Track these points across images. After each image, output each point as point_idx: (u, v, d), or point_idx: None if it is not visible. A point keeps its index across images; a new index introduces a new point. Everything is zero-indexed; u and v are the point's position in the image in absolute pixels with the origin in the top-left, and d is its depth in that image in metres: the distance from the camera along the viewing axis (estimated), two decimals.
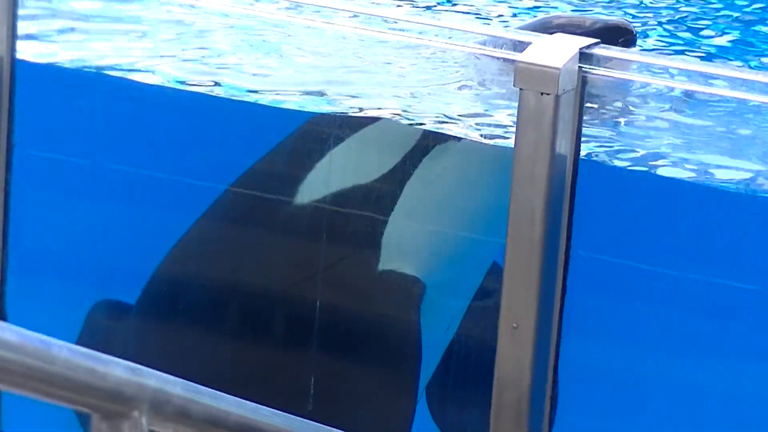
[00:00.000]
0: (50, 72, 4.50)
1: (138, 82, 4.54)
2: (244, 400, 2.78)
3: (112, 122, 4.60)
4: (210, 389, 2.66)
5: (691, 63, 4.50)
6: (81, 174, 4.57)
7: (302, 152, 4.51)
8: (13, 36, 4.12)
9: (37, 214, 4.35)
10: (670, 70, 3.97)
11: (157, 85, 4.55)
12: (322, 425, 3.22)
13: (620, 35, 4.29)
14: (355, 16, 4.22)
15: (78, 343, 4.32)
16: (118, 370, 2.37)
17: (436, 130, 4.37)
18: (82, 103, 4.57)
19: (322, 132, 4.47)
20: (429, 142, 4.35)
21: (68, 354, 2.30)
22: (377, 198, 4.39)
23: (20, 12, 4.13)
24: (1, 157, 4.15)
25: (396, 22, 4.24)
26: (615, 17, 4.68)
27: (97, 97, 4.58)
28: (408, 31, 4.18)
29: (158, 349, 4.54)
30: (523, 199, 3.63)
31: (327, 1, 4.12)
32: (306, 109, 4.50)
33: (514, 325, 3.63)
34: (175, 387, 2.52)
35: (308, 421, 3.12)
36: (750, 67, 5.63)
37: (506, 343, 3.64)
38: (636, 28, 4.41)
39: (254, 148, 4.47)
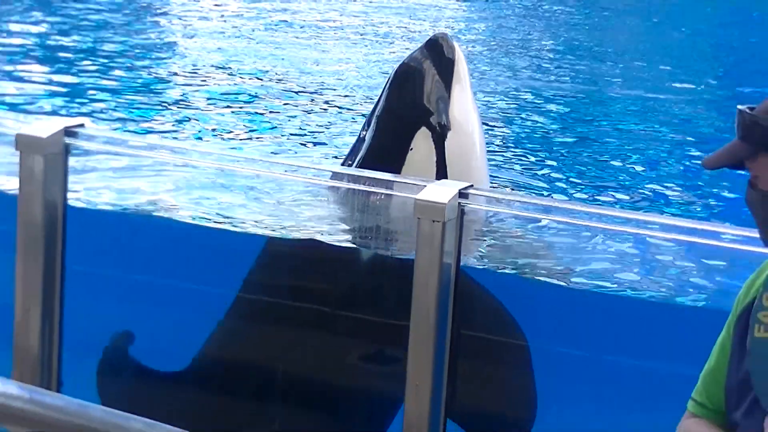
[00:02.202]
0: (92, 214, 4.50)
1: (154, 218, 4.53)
2: None
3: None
4: None
5: (539, 199, 4.54)
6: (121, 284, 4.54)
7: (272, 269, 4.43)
8: (65, 187, 4.16)
9: (81, 309, 4.25)
10: (528, 204, 4.01)
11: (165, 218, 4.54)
12: None
13: (440, 49, 4.25)
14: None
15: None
16: (138, 424, 2.35)
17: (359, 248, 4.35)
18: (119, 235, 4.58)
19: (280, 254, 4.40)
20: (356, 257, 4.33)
21: (101, 414, 2.32)
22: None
23: None
24: (58, 267, 4.13)
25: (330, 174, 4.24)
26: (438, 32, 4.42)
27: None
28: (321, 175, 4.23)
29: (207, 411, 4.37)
30: (422, 295, 3.67)
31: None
32: (264, 234, 4.43)
33: (417, 383, 3.67)
34: None
35: None
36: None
37: (411, 396, 3.68)
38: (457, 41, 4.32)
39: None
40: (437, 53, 4.29)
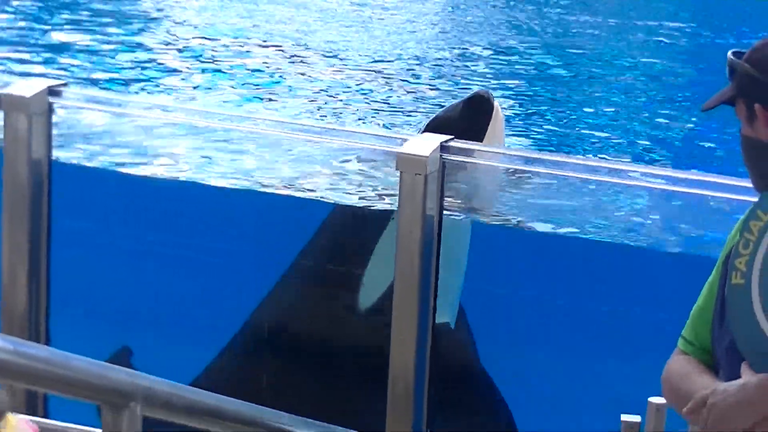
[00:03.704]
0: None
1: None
2: (215, 394, 2.69)
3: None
4: (189, 386, 2.62)
5: (517, 150, 4.49)
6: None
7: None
8: (49, 146, 4.10)
9: (67, 267, 4.19)
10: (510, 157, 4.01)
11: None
12: (279, 412, 2.91)
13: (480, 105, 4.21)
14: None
15: None
16: (119, 374, 2.36)
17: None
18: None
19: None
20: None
21: (83, 364, 2.30)
22: None
23: None
24: (44, 226, 4.07)
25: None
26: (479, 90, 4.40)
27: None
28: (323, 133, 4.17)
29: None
30: (406, 247, 3.66)
31: None
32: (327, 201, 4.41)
33: (402, 337, 3.64)
34: (162, 385, 2.49)
35: (266, 408, 2.85)
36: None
37: (396, 349, 3.66)
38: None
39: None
40: (476, 109, 4.23)
